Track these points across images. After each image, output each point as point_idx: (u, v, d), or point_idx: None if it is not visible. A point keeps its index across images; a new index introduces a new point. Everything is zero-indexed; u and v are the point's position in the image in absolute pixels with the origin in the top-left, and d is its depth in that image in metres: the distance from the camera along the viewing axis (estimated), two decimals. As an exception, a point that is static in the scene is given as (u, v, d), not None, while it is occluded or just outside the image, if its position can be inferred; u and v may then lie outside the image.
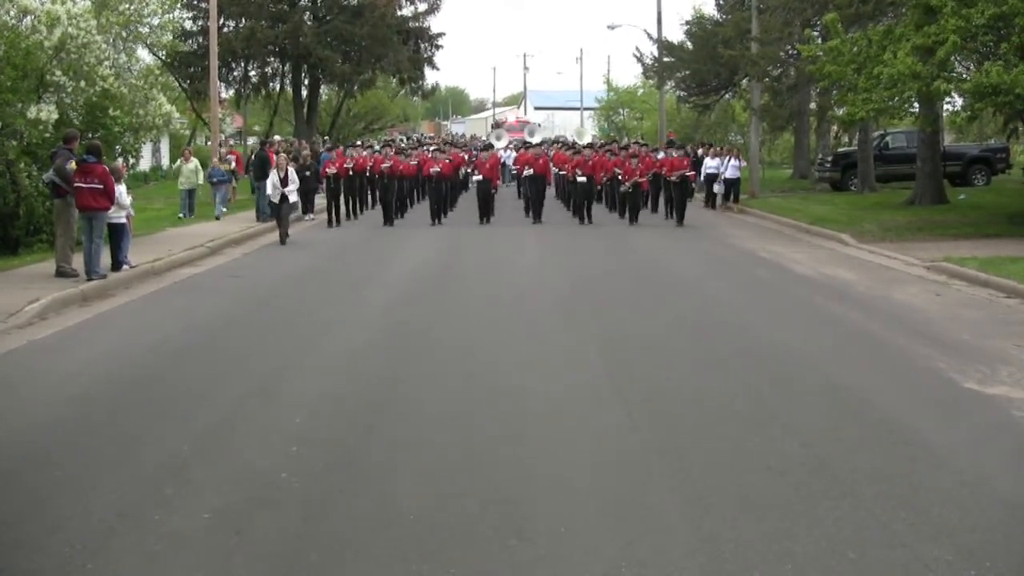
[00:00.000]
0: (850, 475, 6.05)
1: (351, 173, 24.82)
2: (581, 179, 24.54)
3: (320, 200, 26.35)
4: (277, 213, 20.41)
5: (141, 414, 7.47)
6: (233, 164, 27.98)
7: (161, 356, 9.55)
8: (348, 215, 25.22)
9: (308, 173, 24.94)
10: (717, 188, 29.33)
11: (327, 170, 24.23)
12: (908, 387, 8.31)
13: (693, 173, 26.25)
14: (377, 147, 28.12)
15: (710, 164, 29.51)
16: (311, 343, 10.09)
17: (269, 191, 20.45)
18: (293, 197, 20.70)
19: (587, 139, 39.91)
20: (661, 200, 26.40)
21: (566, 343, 10.13)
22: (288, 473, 6.11)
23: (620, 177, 24.85)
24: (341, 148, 29.37)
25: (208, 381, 8.43)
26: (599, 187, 26.57)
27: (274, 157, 25.09)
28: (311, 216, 25.47)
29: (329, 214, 24.11)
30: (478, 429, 7.05)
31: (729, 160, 28.97)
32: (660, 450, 6.59)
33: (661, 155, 26.82)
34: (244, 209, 26.19)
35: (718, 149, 30.88)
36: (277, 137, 34.97)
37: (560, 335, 10.55)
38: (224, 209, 25.55)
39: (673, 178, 24.29)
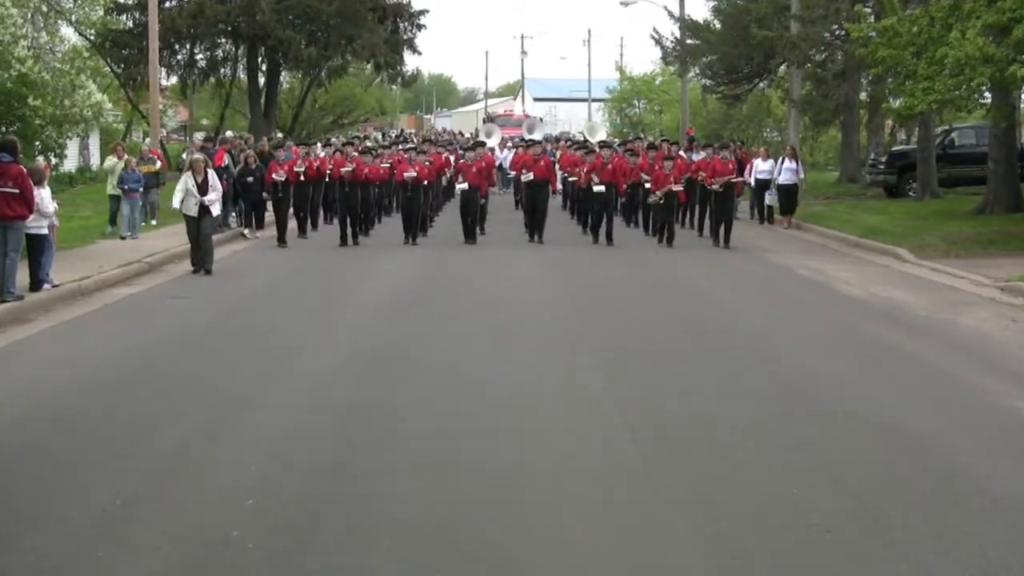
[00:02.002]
0: (909, 533, 6.06)
1: (303, 179, 23.35)
2: (598, 188, 22.71)
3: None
4: (194, 231, 18.09)
5: (65, 461, 7.45)
6: (158, 165, 25.89)
7: (89, 392, 9.53)
8: (300, 231, 23.90)
9: (251, 179, 23.68)
10: (769, 198, 27.68)
11: (273, 175, 22.87)
12: (979, 430, 8.33)
13: (741, 181, 24.60)
14: (337, 144, 26.72)
15: (762, 168, 27.84)
16: (268, 375, 10.08)
17: (177, 203, 18.30)
18: (216, 209, 18.64)
19: (600, 135, 38.64)
20: (696, 213, 25.24)
21: (569, 374, 10.16)
22: (241, 531, 6.09)
23: (648, 185, 23.26)
24: (294, 144, 28.04)
25: (146, 421, 8.41)
26: (620, 197, 24.89)
27: (224, 157, 24.66)
28: (255, 234, 24.22)
29: (279, 229, 22.80)
30: (465, 475, 7.05)
31: (783, 162, 27.40)
32: (682, 501, 6.60)
33: (695, 156, 26.05)
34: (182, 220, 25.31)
35: (764, 150, 29.70)
36: (230, 133, 34.85)
37: (562, 365, 10.59)
38: (154, 222, 24.29)
39: (715, 186, 22.48)
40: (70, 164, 39.11)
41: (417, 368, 10.45)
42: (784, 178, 27.10)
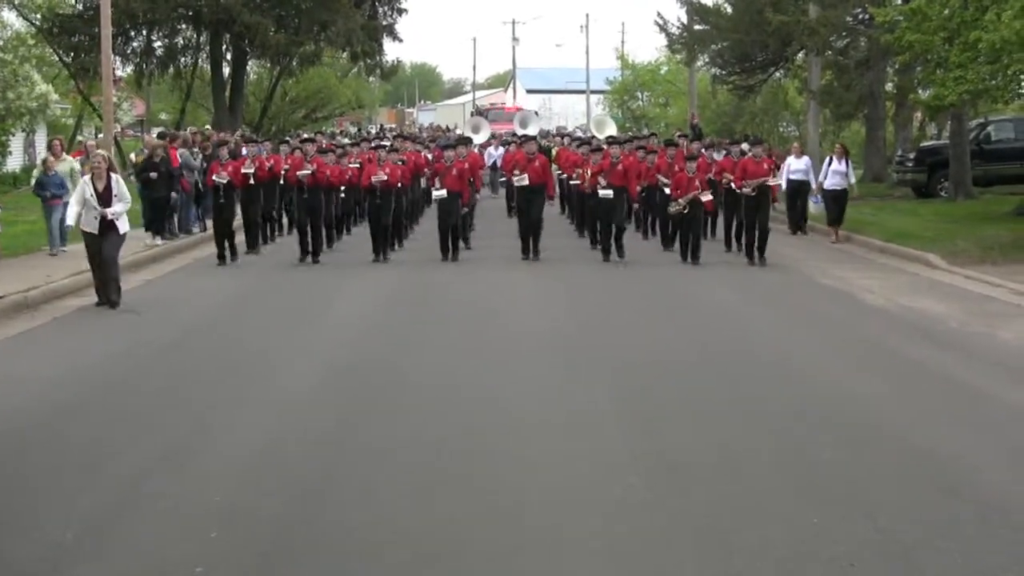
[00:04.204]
0: (940, 569, 6.10)
1: (252, 182, 21.58)
2: (605, 192, 20.91)
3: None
4: (96, 252, 15.68)
5: (8, 489, 7.47)
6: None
7: (38, 415, 9.53)
8: (250, 245, 22.36)
9: (155, 175, 22.34)
10: (814, 206, 25.85)
11: (213, 177, 20.93)
12: (1019, 455, 8.37)
13: (777, 184, 22.63)
14: (295, 143, 24.56)
15: (796, 167, 25.86)
16: (235, 395, 10.12)
17: (71, 217, 15.85)
18: (123, 225, 15.87)
19: (610, 130, 36.58)
20: (719, 223, 23.80)
21: (570, 397, 10.19)
22: (206, 566, 6.11)
23: (667, 190, 21.81)
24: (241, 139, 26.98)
25: (100, 446, 8.43)
26: (634, 204, 23.02)
27: (175, 155, 23.88)
28: (157, 240, 22.59)
29: (218, 244, 20.97)
30: (452, 503, 7.08)
31: (830, 162, 25.28)
32: (692, 531, 6.63)
33: (717, 156, 24.59)
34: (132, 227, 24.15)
35: (797, 146, 27.74)
36: (192, 129, 34.83)
37: (562, 386, 10.62)
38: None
39: (747, 190, 20.75)
40: (14, 163, 39.15)
41: (401, 386, 10.48)
42: (832, 182, 25.01)
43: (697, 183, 20.65)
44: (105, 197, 15.49)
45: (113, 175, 15.84)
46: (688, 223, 20.87)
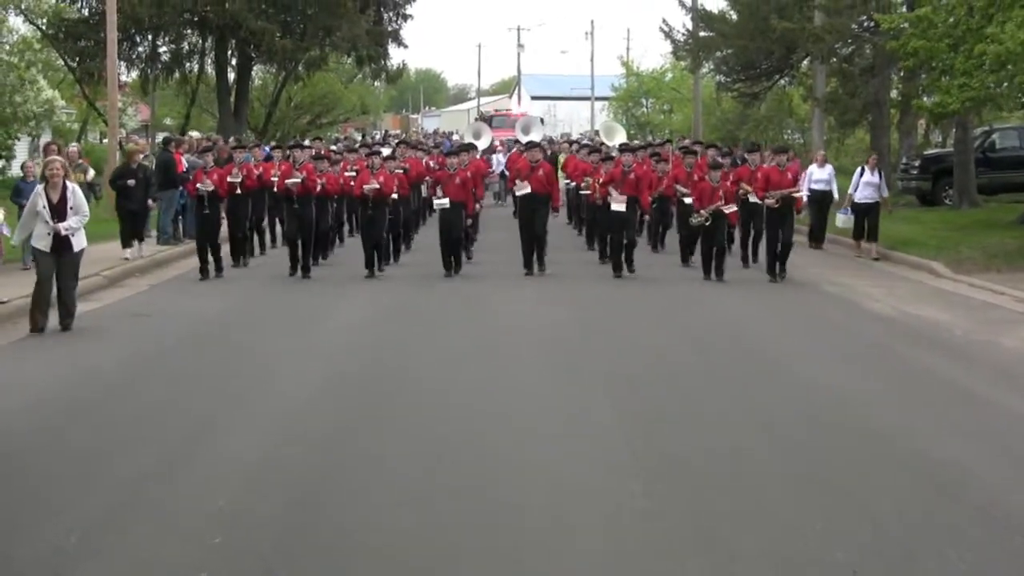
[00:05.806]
0: (942, 573, 6.11)
1: (239, 191, 20.44)
2: (618, 206, 19.58)
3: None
4: (47, 273, 13.96)
5: (10, 496, 7.48)
6: (91, 174, 23.79)
7: (38, 422, 9.54)
8: (238, 257, 21.30)
9: (132, 182, 21.30)
10: (842, 219, 23.90)
11: (197, 185, 19.41)
12: (1022, 462, 8.37)
13: (802, 195, 21.33)
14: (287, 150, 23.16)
15: (818, 177, 24.86)
16: (235, 402, 10.14)
17: (18, 236, 14.71)
18: (80, 241, 14.16)
19: (620, 138, 35.16)
20: (737, 236, 22.48)
21: (572, 404, 10.21)
22: (209, 571, 6.12)
23: (688, 200, 20.77)
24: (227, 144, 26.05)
25: (103, 451, 8.44)
26: (645, 215, 22.01)
27: (181, 160, 23.72)
28: (138, 251, 21.41)
29: (201, 258, 19.59)
30: (452, 509, 7.08)
31: (861, 173, 23.54)
32: (693, 537, 6.64)
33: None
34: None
35: (822, 155, 26.55)
36: (194, 134, 34.74)
37: (564, 392, 10.64)
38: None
39: (771, 201, 19.60)
40: (19, 168, 39.16)
41: (401, 394, 10.49)
42: (864, 194, 23.27)
43: (721, 193, 19.41)
44: (60, 209, 13.83)
45: (70, 184, 14.17)
46: (710, 236, 19.59)
